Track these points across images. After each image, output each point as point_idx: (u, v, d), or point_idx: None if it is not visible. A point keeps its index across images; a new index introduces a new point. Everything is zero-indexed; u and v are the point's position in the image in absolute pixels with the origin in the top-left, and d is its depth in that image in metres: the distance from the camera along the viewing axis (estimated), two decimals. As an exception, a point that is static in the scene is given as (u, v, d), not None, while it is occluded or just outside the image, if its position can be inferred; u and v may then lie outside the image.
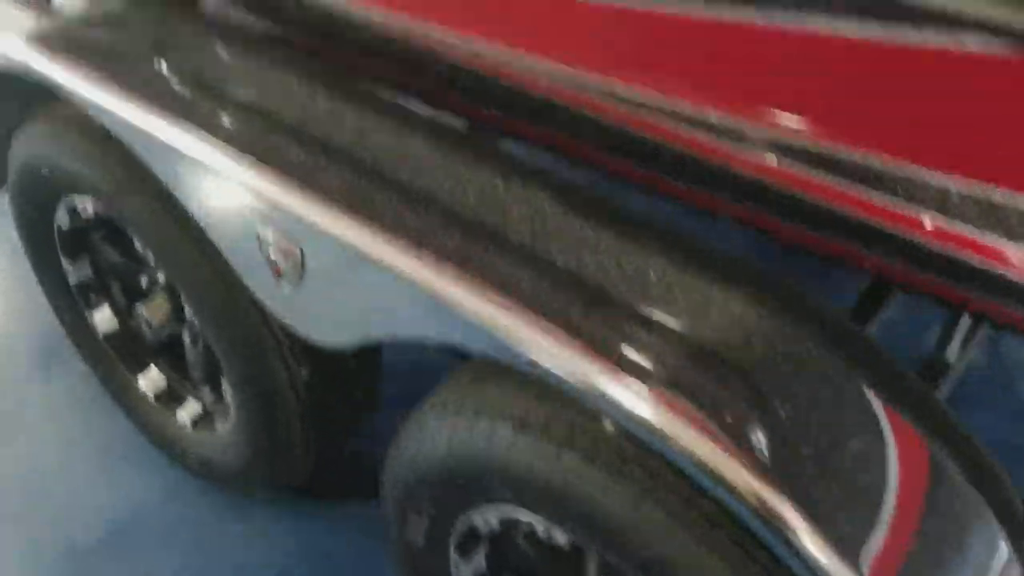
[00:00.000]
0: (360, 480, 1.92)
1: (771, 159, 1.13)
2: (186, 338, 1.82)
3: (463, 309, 1.06)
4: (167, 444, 1.97)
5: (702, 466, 0.93)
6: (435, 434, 1.23)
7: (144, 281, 1.82)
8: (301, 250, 1.26)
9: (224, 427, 1.76)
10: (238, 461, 1.76)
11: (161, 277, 1.76)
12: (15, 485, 2.04)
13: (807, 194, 1.13)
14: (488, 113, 1.50)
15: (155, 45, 1.55)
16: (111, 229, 1.77)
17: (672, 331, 1.01)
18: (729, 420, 0.94)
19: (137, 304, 1.82)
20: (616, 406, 0.97)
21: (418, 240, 1.14)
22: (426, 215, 1.19)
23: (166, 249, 1.55)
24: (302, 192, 1.23)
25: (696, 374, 0.98)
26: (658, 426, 0.94)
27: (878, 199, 1.08)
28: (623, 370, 0.97)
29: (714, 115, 1.15)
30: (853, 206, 1.10)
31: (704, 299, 1.06)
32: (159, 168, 1.43)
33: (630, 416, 0.96)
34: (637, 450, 1.03)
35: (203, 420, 1.88)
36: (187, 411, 1.91)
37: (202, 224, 1.42)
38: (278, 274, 1.32)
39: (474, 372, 1.24)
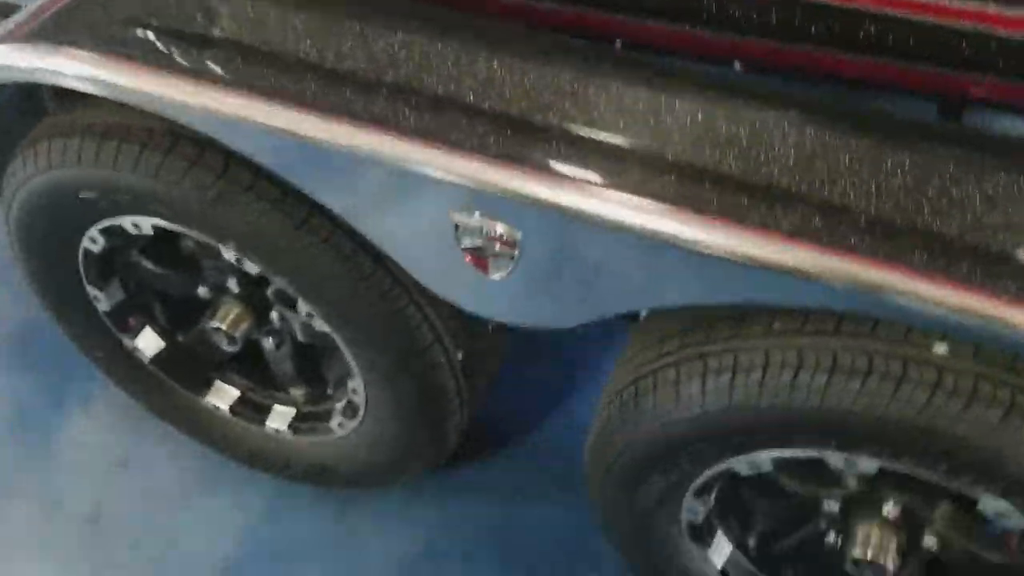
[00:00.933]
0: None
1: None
2: (267, 344, 1.61)
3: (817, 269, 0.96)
4: (256, 457, 1.77)
5: None
6: (709, 390, 1.13)
7: (203, 291, 1.58)
8: (520, 233, 1.10)
9: (347, 427, 1.59)
10: (375, 458, 1.61)
11: (233, 283, 1.52)
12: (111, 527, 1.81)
13: None
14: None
15: (202, 12, 1.26)
16: (160, 241, 1.50)
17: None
18: None
19: (206, 318, 1.58)
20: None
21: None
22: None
23: (290, 262, 1.32)
24: (522, 168, 1.06)
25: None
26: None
27: None
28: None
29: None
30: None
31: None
32: (278, 164, 1.20)
33: None
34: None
35: (306, 424, 1.69)
36: (278, 419, 1.71)
37: (351, 222, 1.22)
38: (480, 263, 1.16)
39: (728, 325, 1.14)
